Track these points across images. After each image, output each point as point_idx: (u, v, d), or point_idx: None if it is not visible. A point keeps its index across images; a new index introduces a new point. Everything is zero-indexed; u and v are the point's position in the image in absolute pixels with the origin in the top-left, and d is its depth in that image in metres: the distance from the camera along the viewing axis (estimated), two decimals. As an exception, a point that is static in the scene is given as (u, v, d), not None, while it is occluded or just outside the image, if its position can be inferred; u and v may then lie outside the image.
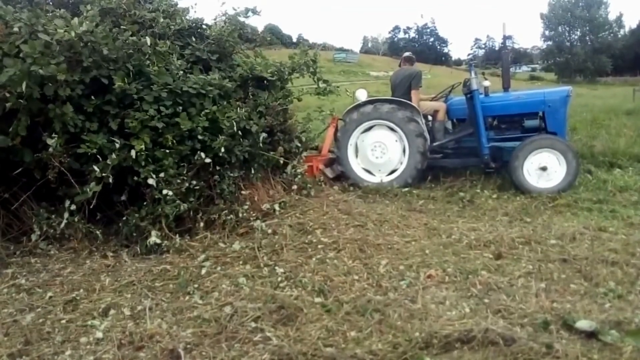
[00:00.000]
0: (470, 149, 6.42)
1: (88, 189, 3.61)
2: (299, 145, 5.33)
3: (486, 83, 6.31)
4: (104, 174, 3.62)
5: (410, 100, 6.45)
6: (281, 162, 4.89)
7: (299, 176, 5.10)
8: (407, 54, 7.36)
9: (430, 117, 6.68)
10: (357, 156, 6.40)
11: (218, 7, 5.04)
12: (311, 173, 5.76)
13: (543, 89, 6.92)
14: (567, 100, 6.21)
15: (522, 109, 6.27)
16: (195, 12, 5.02)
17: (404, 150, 6.21)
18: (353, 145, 6.37)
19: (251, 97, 4.63)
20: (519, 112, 6.30)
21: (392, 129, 6.24)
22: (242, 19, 4.98)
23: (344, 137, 6.36)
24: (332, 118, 6.52)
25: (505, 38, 7.51)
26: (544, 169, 5.69)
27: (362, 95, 6.64)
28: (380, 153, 6.27)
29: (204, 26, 4.94)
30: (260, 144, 4.51)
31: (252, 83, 4.88)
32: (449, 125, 6.80)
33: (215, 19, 5.12)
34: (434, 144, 6.37)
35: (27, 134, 3.46)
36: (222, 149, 4.07)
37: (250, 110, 4.44)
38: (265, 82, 4.94)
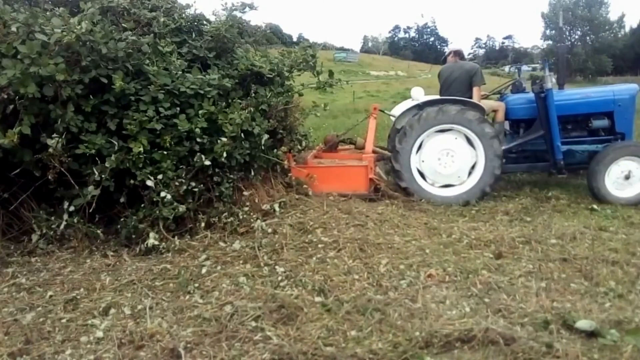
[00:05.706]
0: (533, 152, 5.93)
1: (87, 193, 3.59)
2: (303, 143, 5.28)
3: (553, 81, 5.77)
4: (102, 176, 3.60)
5: (471, 99, 5.74)
6: (284, 163, 4.85)
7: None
8: (456, 47, 6.64)
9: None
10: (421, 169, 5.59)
11: (218, 2, 4.99)
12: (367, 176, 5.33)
13: (611, 86, 6.31)
14: (635, 99, 5.76)
15: (590, 108, 5.74)
16: (196, 10, 4.94)
17: (476, 156, 5.51)
18: (416, 155, 5.55)
19: (252, 94, 4.58)
20: (586, 111, 5.75)
21: (458, 133, 5.50)
22: (238, 14, 4.91)
23: (405, 148, 5.46)
24: (373, 108, 5.91)
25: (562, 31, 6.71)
26: (627, 177, 5.31)
27: (419, 94, 5.82)
28: (450, 161, 5.52)
29: (204, 22, 4.88)
30: (262, 147, 4.45)
31: (252, 79, 4.82)
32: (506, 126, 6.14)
33: (213, 12, 5.07)
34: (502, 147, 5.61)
35: (27, 134, 3.45)
36: (224, 155, 3.97)
37: (253, 110, 4.37)
38: (265, 78, 4.87)
